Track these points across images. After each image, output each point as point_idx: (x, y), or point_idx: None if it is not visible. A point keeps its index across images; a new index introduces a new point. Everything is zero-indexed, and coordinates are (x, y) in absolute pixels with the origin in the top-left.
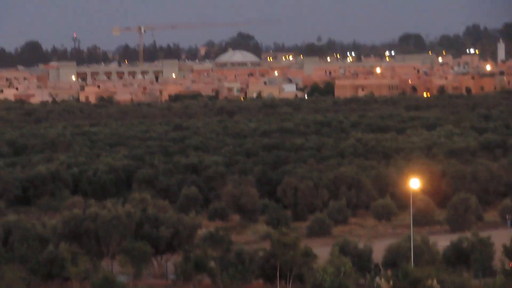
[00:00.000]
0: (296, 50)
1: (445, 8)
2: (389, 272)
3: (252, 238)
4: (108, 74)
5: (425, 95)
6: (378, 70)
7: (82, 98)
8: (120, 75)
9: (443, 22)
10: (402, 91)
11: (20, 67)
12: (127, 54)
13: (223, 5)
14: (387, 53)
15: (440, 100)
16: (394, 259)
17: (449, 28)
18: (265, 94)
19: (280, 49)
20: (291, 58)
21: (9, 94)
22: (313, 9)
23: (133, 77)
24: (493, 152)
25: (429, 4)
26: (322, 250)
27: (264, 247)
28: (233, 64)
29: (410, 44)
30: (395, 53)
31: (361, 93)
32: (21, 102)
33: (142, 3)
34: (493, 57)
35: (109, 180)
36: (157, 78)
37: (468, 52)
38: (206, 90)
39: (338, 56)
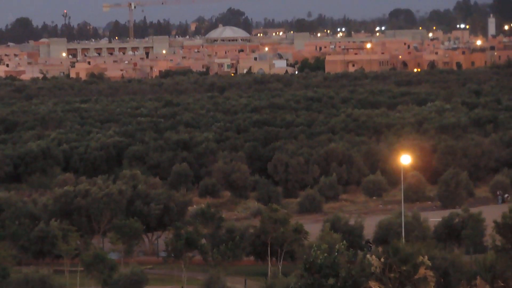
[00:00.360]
0: (286, 26)
1: None
2: (380, 249)
3: (243, 215)
4: (99, 51)
5: (415, 70)
6: (368, 45)
7: (72, 74)
8: (111, 51)
9: None
10: (393, 67)
11: (11, 44)
12: (117, 31)
13: None
14: (377, 28)
15: (431, 75)
16: (385, 235)
17: (439, 3)
18: (255, 70)
19: (271, 25)
20: (281, 34)
21: (0, 71)
22: None
23: (124, 53)
24: (484, 127)
25: None
26: (313, 227)
27: (255, 224)
28: (223, 40)
29: (400, 19)
30: (386, 28)
31: (351, 69)
32: (11, 78)
33: None
34: (484, 32)
35: (100, 157)
36: (147, 54)
37: (458, 27)
38: (196, 66)
39: (329, 32)
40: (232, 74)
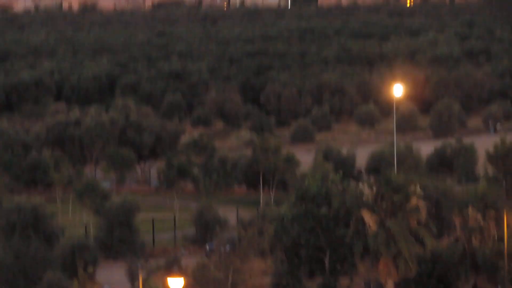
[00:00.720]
0: None
1: None
2: (372, 178)
3: (235, 144)
4: None
5: (408, 2)
6: None
7: (65, 5)
8: None
9: None
10: None
11: None
12: None
13: None
14: None
15: (424, 6)
16: (377, 165)
17: None
18: (248, 1)
19: None
20: None
21: None
22: None
23: None
24: (476, 59)
25: None
26: (305, 156)
27: (247, 153)
28: None
29: None
30: None
31: (344, 0)
32: (4, 9)
33: None
34: None
35: (92, 87)
36: None
37: None
38: None
39: None
40: (225, 5)
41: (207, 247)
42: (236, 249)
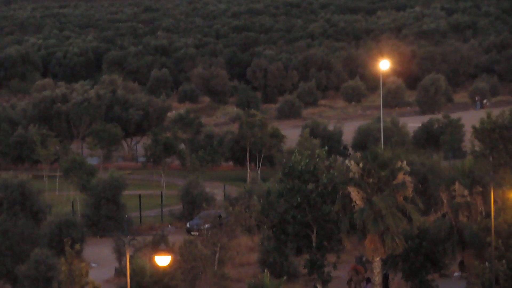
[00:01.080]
0: None
1: None
2: (359, 154)
3: (222, 120)
4: None
5: None
6: None
7: None
8: None
9: None
10: None
11: None
12: None
13: None
14: None
15: None
16: (363, 141)
17: None
18: None
19: None
20: None
21: None
22: None
23: None
24: (463, 33)
25: None
26: (292, 132)
27: (233, 129)
28: None
29: None
30: None
31: None
32: None
33: None
34: None
35: (79, 62)
36: None
37: None
38: None
39: None
40: None
41: (188, 225)
42: (216, 226)
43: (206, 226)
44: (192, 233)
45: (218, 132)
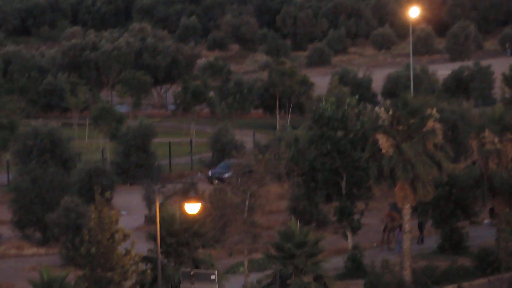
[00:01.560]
0: None
1: None
2: (389, 102)
3: (251, 68)
4: None
5: None
6: None
7: None
8: None
9: None
10: None
11: None
12: None
13: None
14: None
15: None
16: (393, 89)
17: None
18: None
19: None
20: None
21: None
22: None
23: None
24: None
25: None
26: (322, 80)
27: (263, 77)
28: None
29: None
30: None
31: None
32: None
33: None
34: None
35: (108, 10)
36: None
37: None
38: None
39: None
40: None
41: (209, 173)
42: (238, 174)
43: (227, 174)
44: (214, 181)
45: (247, 79)
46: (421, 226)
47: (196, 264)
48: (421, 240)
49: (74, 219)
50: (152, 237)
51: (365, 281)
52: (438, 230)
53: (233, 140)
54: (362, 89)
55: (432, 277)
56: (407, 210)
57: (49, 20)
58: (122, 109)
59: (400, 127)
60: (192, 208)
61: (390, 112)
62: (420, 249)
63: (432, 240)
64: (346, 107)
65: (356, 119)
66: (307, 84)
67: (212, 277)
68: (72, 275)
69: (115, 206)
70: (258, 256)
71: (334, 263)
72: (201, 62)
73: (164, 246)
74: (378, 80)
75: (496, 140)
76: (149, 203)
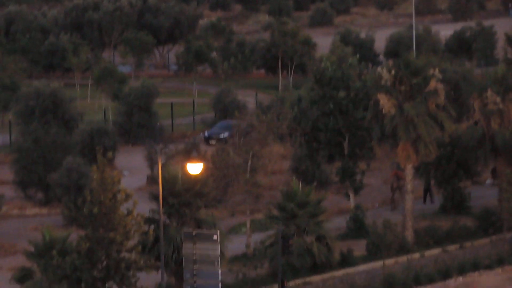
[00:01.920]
0: None
1: None
2: (391, 62)
3: (254, 28)
4: None
5: None
6: None
7: None
8: None
9: None
10: None
11: None
12: None
13: None
14: None
15: None
16: (395, 49)
17: None
18: None
19: None
20: None
21: None
22: None
23: None
24: None
25: None
26: (324, 40)
27: (265, 37)
28: None
29: None
30: None
31: None
32: None
33: None
34: None
35: None
36: None
37: None
38: None
39: None
40: None
41: (206, 133)
42: (235, 135)
43: (224, 135)
44: (211, 141)
45: (249, 40)
46: (429, 186)
47: (198, 225)
48: (430, 200)
49: (76, 180)
50: (154, 198)
51: (367, 241)
52: (440, 191)
53: (235, 100)
54: (364, 50)
55: (434, 237)
56: (409, 170)
57: None
58: (124, 69)
59: (403, 87)
60: (194, 168)
61: (393, 72)
62: (422, 210)
63: (435, 201)
64: (346, 66)
65: (357, 79)
66: (309, 45)
67: (214, 237)
68: (74, 235)
69: (117, 167)
70: (260, 216)
71: (336, 223)
72: (203, 22)
73: (166, 207)
74: (381, 40)
75: (498, 100)
76: (151, 163)
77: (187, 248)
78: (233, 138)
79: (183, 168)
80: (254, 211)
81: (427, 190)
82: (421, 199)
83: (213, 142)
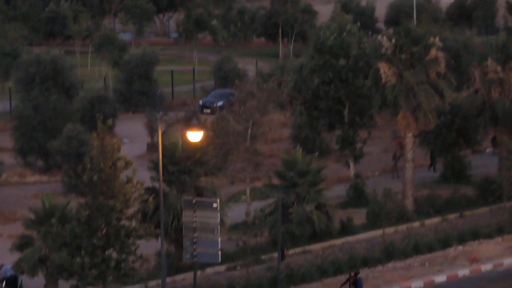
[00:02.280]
0: None
1: None
2: (391, 30)
3: None
4: None
5: None
6: None
7: None
8: None
9: None
10: None
11: None
12: None
13: None
14: None
15: None
16: (396, 17)
17: None
18: None
19: None
20: None
21: None
22: None
23: None
24: None
25: None
26: (325, 8)
27: (266, 5)
28: None
29: None
30: None
31: None
32: None
33: None
34: None
35: None
36: None
37: None
38: None
39: None
40: None
41: (200, 102)
42: (229, 104)
43: (219, 104)
44: (205, 110)
45: (250, 8)
46: (433, 154)
47: (198, 192)
48: (433, 168)
49: (76, 147)
50: (154, 165)
51: (367, 209)
52: (440, 159)
53: (235, 68)
54: (365, 17)
55: (434, 206)
56: (409, 138)
57: None
58: (125, 36)
59: (403, 56)
60: (194, 136)
61: (393, 41)
62: (423, 178)
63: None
64: (345, 34)
65: (357, 46)
66: (310, 13)
67: (214, 205)
68: (74, 202)
69: (117, 134)
70: (260, 184)
71: (336, 192)
72: None
73: (166, 174)
74: (381, 8)
75: (499, 69)
76: (151, 131)
77: (187, 216)
78: (228, 106)
79: (183, 135)
80: (254, 179)
81: (434, 158)
82: (422, 168)
83: (207, 111)
